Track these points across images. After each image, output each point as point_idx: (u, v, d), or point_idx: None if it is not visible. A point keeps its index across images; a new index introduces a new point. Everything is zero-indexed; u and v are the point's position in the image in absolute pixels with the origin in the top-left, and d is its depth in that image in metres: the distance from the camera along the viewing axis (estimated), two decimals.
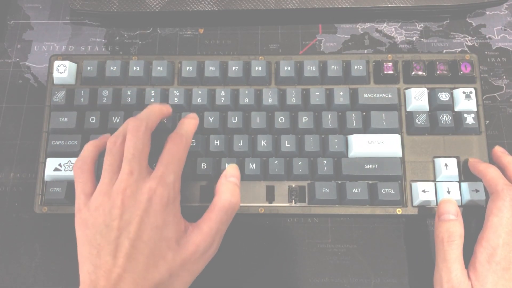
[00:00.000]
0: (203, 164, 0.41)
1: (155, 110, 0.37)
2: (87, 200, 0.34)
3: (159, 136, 0.38)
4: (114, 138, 0.35)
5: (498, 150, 0.41)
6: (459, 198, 0.40)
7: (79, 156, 0.36)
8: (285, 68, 0.43)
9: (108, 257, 0.31)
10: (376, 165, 0.41)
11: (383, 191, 0.40)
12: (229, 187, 0.36)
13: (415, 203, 0.41)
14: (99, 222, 0.32)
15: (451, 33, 0.49)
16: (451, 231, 0.36)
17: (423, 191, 0.40)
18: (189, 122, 0.38)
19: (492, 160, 0.41)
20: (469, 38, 0.49)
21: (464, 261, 0.35)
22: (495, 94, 0.46)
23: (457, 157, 0.41)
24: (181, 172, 0.35)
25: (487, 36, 0.49)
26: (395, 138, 0.42)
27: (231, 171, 0.38)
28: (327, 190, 0.40)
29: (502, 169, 0.39)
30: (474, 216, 0.40)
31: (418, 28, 0.49)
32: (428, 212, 0.40)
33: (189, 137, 0.37)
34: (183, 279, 0.33)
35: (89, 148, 0.36)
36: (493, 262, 0.34)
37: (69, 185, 0.41)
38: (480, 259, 0.35)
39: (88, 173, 0.35)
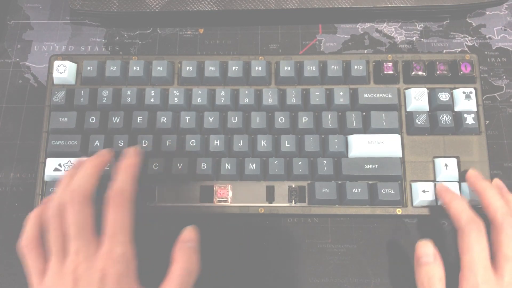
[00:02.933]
0: (203, 164, 0.41)
1: (88, 171, 0.35)
2: (40, 279, 0.33)
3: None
4: (50, 212, 0.34)
5: (472, 175, 0.40)
6: None
7: (23, 234, 0.35)
8: (285, 68, 0.43)
9: None
10: (376, 165, 0.41)
11: (383, 191, 0.40)
12: (186, 253, 0.35)
13: (415, 203, 0.41)
14: None
15: (451, 33, 0.49)
16: (430, 275, 0.35)
17: (423, 191, 0.40)
18: (128, 166, 0.36)
19: (492, 160, 0.41)
20: (469, 38, 0.49)
21: None
22: (495, 94, 0.46)
23: (457, 157, 0.41)
24: (131, 236, 0.33)
25: (487, 36, 0.49)
26: (395, 138, 0.42)
27: (187, 235, 0.36)
28: (327, 190, 0.40)
29: (478, 195, 0.38)
30: None
31: (418, 28, 0.49)
32: (428, 212, 0.40)
33: (130, 190, 0.35)
34: None
35: (31, 224, 0.35)
36: None
37: None
38: None
39: (36, 250, 0.34)
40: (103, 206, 0.34)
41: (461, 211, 0.36)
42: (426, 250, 0.36)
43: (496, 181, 0.40)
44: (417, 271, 0.36)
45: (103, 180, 0.36)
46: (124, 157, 0.37)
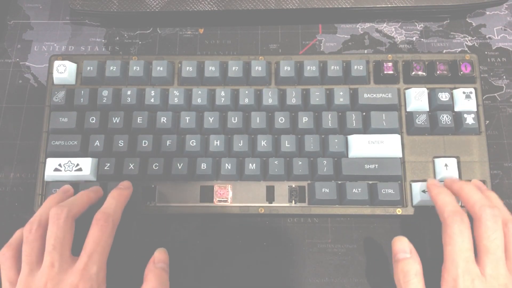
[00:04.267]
0: (203, 164, 0.41)
1: (82, 197, 0.37)
2: None
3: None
4: (29, 225, 0.35)
5: (447, 181, 0.39)
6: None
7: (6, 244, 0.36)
8: (285, 68, 0.43)
9: None
10: (376, 165, 0.41)
11: (383, 191, 0.40)
12: (156, 274, 0.36)
13: (415, 203, 0.41)
14: None
15: (451, 33, 0.49)
16: (405, 270, 0.34)
17: (423, 191, 0.40)
18: (120, 195, 0.38)
19: (492, 160, 0.41)
20: (469, 38, 0.49)
21: None
22: (495, 94, 0.46)
23: (457, 157, 0.41)
24: (106, 258, 0.35)
25: (487, 36, 0.49)
26: (395, 138, 0.42)
27: (159, 256, 0.37)
28: (327, 190, 0.40)
29: (456, 194, 0.38)
30: None
31: (418, 28, 0.49)
32: (428, 212, 0.40)
33: (117, 216, 0.36)
34: None
35: (16, 235, 0.36)
36: None
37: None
38: None
39: (11, 260, 0.35)
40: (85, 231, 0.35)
41: (446, 203, 0.36)
42: (402, 246, 0.36)
43: (475, 181, 0.40)
44: (394, 267, 0.36)
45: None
46: (118, 187, 0.39)
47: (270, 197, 0.41)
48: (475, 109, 0.42)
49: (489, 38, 0.49)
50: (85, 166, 0.41)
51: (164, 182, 0.42)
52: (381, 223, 0.42)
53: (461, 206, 0.38)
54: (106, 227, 0.35)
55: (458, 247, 0.34)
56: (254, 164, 0.41)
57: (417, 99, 0.42)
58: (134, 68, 0.44)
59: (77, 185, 0.41)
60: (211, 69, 0.43)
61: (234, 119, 0.42)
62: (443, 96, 0.42)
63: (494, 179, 0.43)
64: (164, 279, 0.36)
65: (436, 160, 0.41)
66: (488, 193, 0.37)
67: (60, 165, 0.41)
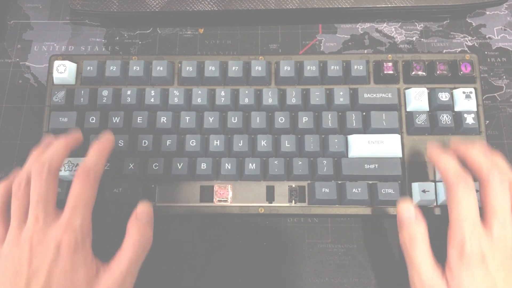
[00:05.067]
0: (203, 164, 0.41)
1: (59, 148, 0.36)
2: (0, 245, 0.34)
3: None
4: (18, 181, 0.35)
5: (452, 146, 0.38)
6: None
7: None
8: (285, 68, 0.43)
9: None
10: (376, 165, 0.41)
11: (383, 191, 0.40)
12: (139, 227, 0.36)
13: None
14: (9, 270, 0.32)
15: (451, 33, 0.49)
16: (411, 235, 0.35)
17: (423, 191, 0.40)
18: (100, 148, 0.37)
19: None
20: (469, 38, 0.49)
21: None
22: (495, 94, 0.46)
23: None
24: (91, 211, 0.35)
25: (487, 36, 0.49)
26: (395, 138, 0.42)
27: (141, 209, 0.37)
28: (327, 190, 0.40)
29: (463, 158, 0.37)
30: None
31: (418, 28, 0.49)
32: (428, 212, 0.40)
33: (98, 170, 0.36)
34: None
35: (2, 189, 0.37)
36: (464, 258, 0.33)
37: (69, 185, 0.41)
38: (452, 257, 0.33)
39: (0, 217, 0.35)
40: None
41: (449, 167, 0.36)
42: (408, 213, 0.36)
43: (479, 144, 0.39)
44: (400, 233, 0.36)
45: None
46: (98, 139, 0.38)
47: (270, 197, 0.41)
48: (475, 109, 0.42)
49: (489, 38, 0.49)
50: None
51: (164, 182, 0.42)
52: (381, 223, 0.42)
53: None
54: (87, 181, 0.35)
55: (464, 210, 0.33)
56: (254, 164, 0.41)
57: (417, 99, 0.42)
58: (134, 68, 0.44)
59: None
60: (211, 69, 0.43)
61: (234, 119, 0.42)
62: (443, 96, 0.42)
63: None
64: (147, 234, 0.36)
65: None
66: (493, 157, 0.37)
67: None
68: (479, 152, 0.36)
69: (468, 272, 0.32)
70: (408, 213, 0.36)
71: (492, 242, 0.33)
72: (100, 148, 0.37)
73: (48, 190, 0.34)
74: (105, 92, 0.43)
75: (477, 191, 0.35)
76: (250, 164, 0.41)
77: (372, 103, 0.42)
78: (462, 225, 0.33)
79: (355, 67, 0.43)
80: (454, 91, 0.43)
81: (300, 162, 0.41)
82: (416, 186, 0.41)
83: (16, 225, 0.34)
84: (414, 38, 0.49)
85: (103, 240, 0.37)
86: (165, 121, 0.42)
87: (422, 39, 0.49)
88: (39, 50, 0.49)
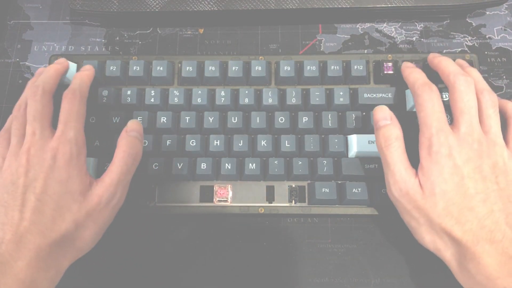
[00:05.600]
0: (203, 164, 0.41)
1: (51, 71, 0.39)
2: (2, 163, 0.36)
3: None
4: (18, 105, 0.38)
5: (429, 56, 0.41)
6: None
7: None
8: (285, 68, 0.43)
9: (14, 213, 0.32)
10: (376, 165, 0.41)
11: (383, 191, 0.40)
12: (129, 141, 0.37)
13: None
14: (7, 182, 0.34)
15: (451, 33, 0.49)
16: (386, 135, 0.36)
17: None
18: (82, 75, 0.40)
19: None
20: (469, 38, 0.49)
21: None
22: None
23: None
24: (83, 126, 0.37)
25: (487, 36, 0.49)
26: None
27: (132, 125, 0.38)
28: (327, 190, 0.40)
29: (436, 69, 0.39)
30: None
31: (418, 28, 0.49)
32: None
33: (83, 90, 0.39)
34: (90, 230, 0.35)
35: (8, 119, 0.39)
36: (432, 153, 0.34)
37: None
38: (422, 155, 0.35)
39: (2, 138, 0.38)
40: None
41: (416, 78, 0.38)
42: (383, 114, 0.37)
43: (459, 60, 0.41)
44: (376, 134, 0.37)
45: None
46: (80, 70, 0.42)
47: (270, 197, 0.41)
48: None
49: (489, 38, 0.49)
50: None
51: (164, 182, 0.42)
52: (381, 223, 0.42)
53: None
54: (74, 99, 0.37)
55: (430, 110, 0.35)
56: (254, 164, 0.41)
57: None
58: (134, 68, 0.44)
59: None
60: (211, 69, 0.43)
61: (234, 119, 0.42)
62: (443, 96, 0.42)
63: None
64: (136, 146, 0.38)
65: None
66: (469, 69, 0.39)
67: None
68: (450, 62, 0.38)
69: (436, 166, 0.34)
70: (383, 114, 0.37)
71: (459, 138, 0.34)
72: (81, 74, 0.40)
73: (44, 108, 0.36)
74: (105, 92, 0.43)
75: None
76: (250, 164, 0.41)
77: (372, 103, 0.42)
78: (429, 123, 0.35)
79: (355, 67, 0.43)
80: None
81: (300, 162, 0.41)
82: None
83: (15, 142, 0.36)
84: (414, 38, 0.49)
85: (103, 240, 0.37)
86: (165, 121, 0.42)
87: (422, 39, 0.49)
88: (39, 50, 0.49)
